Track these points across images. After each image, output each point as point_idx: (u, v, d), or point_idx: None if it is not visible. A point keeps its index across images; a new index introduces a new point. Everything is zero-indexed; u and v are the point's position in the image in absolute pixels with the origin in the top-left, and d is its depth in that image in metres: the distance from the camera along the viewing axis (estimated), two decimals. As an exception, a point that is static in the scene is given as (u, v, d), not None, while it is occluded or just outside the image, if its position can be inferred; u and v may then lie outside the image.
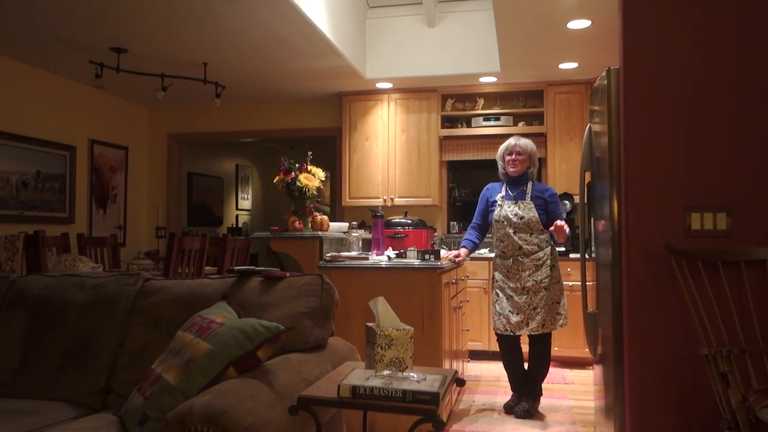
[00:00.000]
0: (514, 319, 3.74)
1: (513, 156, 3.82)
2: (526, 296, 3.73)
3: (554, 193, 3.90)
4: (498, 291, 3.85)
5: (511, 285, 3.77)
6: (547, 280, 3.73)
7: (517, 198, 3.83)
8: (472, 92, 6.04)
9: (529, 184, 3.86)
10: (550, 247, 3.80)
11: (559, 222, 3.60)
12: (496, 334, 3.89)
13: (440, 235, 6.11)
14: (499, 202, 3.86)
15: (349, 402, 1.77)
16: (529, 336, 3.78)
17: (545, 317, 3.71)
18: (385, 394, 1.73)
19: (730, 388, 2.06)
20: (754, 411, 1.98)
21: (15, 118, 5.23)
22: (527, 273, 3.74)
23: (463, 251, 3.93)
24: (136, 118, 6.86)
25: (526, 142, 3.86)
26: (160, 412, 1.79)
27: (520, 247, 3.75)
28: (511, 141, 3.88)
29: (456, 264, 3.91)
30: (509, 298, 3.77)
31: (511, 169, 3.83)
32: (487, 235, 4.06)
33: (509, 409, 3.82)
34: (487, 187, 4.03)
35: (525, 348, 3.90)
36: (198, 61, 5.14)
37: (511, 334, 3.77)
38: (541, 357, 3.81)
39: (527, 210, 3.77)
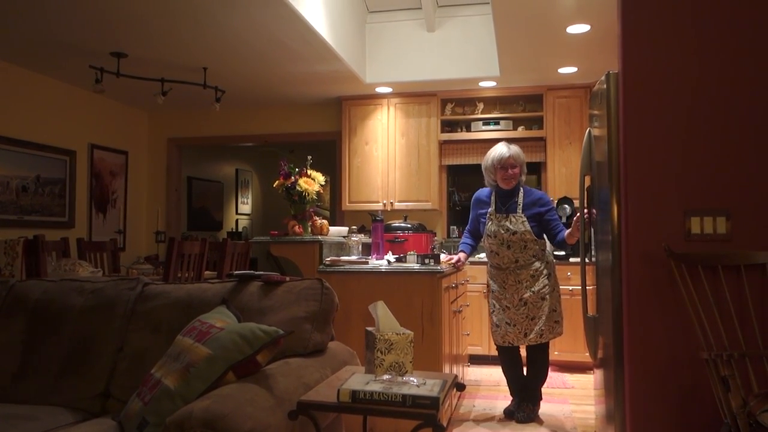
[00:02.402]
0: (512, 330, 3.69)
1: (508, 171, 3.63)
2: (524, 308, 3.66)
3: (548, 200, 3.76)
4: (495, 302, 3.77)
5: (507, 296, 3.71)
6: (545, 289, 3.67)
7: (509, 211, 3.69)
8: (472, 96, 6.05)
9: (520, 194, 3.72)
10: (545, 255, 3.74)
11: (574, 234, 3.47)
12: (495, 344, 3.87)
13: (440, 239, 6.11)
14: (489, 215, 3.75)
15: (348, 407, 1.76)
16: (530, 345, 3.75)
17: (544, 327, 3.65)
18: (385, 398, 1.73)
19: (730, 392, 2.05)
20: (754, 415, 1.98)
21: (15, 123, 5.24)
22: (525, 285, 3.66)
23: (462, 255, 3.92)
24: (136, 123, 6.86)
25: (518, 152, 3.69)
26: (160, 417, 1.79)
27: (517, 260, 3.68)
28: (503, 152, 3.66)
29: (456, 268, 3.90)
30: (506, 309, 3.71)
31: (504, 186, 3.68)
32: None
33: (509, 414, 3.81)
34: (476, 195, 3.90)
35: (523, 352, 3.89)
36: (198, 65, 5.15)
37: (511, 344, 3.74)
38: (540, 363, 3.79)
39: (519, 224, 3.64)
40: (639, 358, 2.45)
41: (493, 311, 3.78)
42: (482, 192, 3.88)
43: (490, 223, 3.72)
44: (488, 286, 3.89)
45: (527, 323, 3.66)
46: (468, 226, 4.00)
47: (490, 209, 3.75)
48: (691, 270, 2.36)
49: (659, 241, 2.43)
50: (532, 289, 3.65)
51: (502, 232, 3.66)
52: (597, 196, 3.01)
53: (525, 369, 3.91)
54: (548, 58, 5.04)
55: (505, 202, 3.72)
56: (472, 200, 3.93)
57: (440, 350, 3.32)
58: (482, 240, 3.85)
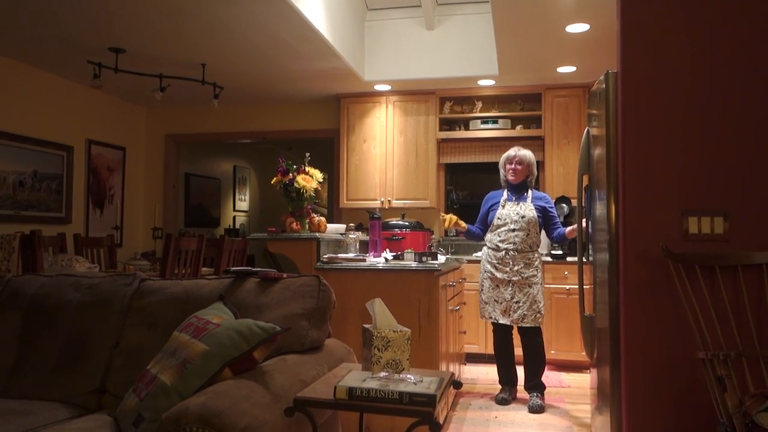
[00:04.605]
0: (498, 308, 4.05)
1: (513, 165, 4.13)
2: (510, 289, 4.01)
3: (551, 200, 4.24)
4: (487, 281, 4.12)
5: (498, 276, 4.05)
6: (533, 278, 4.01)
7: (519, 200, 4.13)
8: (471, 95, 6.05)
9: (529, 192, 4.17)
10: (539, 250, 4.12)
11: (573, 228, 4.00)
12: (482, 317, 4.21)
13: (437, 237, 6.11)
14: (501, 203, 4.15)
15: (345, 403, 1.76)
16: (521, 330, 4.04)
17: (526, 312, 3.98)
18: (382, 395, 1.72)
19: (726, 392, 2.05)
20: (750, 415, 1.98)
21: (12, 118, 5.22)
22: (516, 267, 4.01)
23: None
24: (134, 119, 6.85)
25: (525, 153, 4.15)
26: (155, 413, 1.78)
27: (515, 243, 4.02)
28: (511, 152, 4.18)
29: (458, 226, 4.16)
30: (495, 288, 4.06)
31: (510, 178, 4.14)
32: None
33: (503, 401, 4.06)
34: (489, 195, 4.31)
35: (518, 351, 4.15)
36: (196, 61, 5.13)
37: (496, 321, 4.06)
38: (534, 346, 4.05)
39: (528, 210, 4.06)
40: (635, 357, 2.46)
41: (482, 290, 4.15)
42: (495, 192, 4.30)
43: (501, 208, 4.13)
44: (482, 270, 4.19)
45: (512, 304, 4.01)
46: (476, 224, 4.30)
47: (503, 198, 4.17)
48: (689, 270, 2.36)
49: (657, 240, 2.43)
50: (522, 274, 4.00)
51: (513, 215, 4.07)
52: (595, 195, 3.01)
53: (520, 369, 4.11)
54: (547, 57, 5.03)
55: (516, 195, 4.16)
56: (485, 199, 4.34)
57: (437, 348, 3.32)
58: (489, 229, 4.17)
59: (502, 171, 4.21)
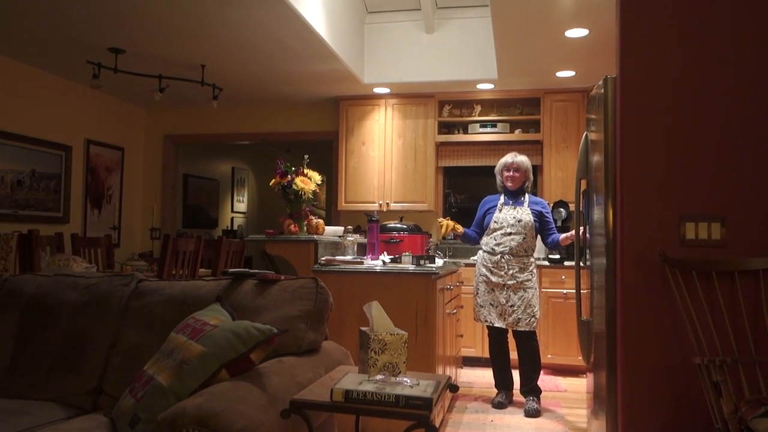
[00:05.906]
0: (494, 311, 4.06)
1: (511, 172, 4.14)
2: (505, 293, 4.03)
3: (547, 205, 4.26)
4: (483, 285, 4.12)
5: (493, 280, 4.05)
6: (528, 282, 4.02)
7: (516, 205, 4.14)
8: (469, 99, 6.06)
9: (526, 196, 4.19)
10: (533, 256, 4.12)
11: (570, 234, 3.99)
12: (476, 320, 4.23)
13: (435, 240, 6.11)
14: (498, 207, 4.15)
15: (341, 406, 1.76)
16: (515, 334, 4.04)
17: (520, 316, 3.99)
18: (378, 398, 1.72)
19: (722, 397, 2.06)
20: (746, 421, 1.98)
21: (11, 117, 5.22)
22: (512, 271, 4.02)
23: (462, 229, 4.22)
24: (133, 119, 6.85)
25: (522, 159, 4.16)
26: (152, 414, 1.78)
27: (511, 247, 4.03)
28: (508, 159, 4.18)
29: (454, 232, 4.15)
30: (490, 291, 4.07)
31: (509, 184, 4.15)
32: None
33: (499, 405, 4.07)
34: (486, 199, 4.31)
35: (513, 355, 4.16)
36: (196, 62, 5.14)
37: (491, 324, 4.05)
38: (530, 350, 4.04)
39: (525, 214, 4.07)
40: (632, 362, 2.46)
41: (477, 293, 4.16)
42: (491, 196, 4.30)
43: (498, 212, 4.14)
44: (477, 274, 4.19)
45: (507, 308, 4.03)
46: (472, 228, 4.29)
47: (499, 202, 4.18)
48: (686, 275, 2.37)
49: (654, 245, 2.44)
50: (517, 278, 4.01)
51: (509, 219, 4.08)
52: (593, 200, 3.01)
53: (515, 371, 4.13)
54: (546, 62, 5.05)
55: (513, 199, 4.18)
56: (481, 203, 4.31)
57: (434, 351, 3.32)
58: (485, 233, 4.18)
59: (498, 177, 4.21)
